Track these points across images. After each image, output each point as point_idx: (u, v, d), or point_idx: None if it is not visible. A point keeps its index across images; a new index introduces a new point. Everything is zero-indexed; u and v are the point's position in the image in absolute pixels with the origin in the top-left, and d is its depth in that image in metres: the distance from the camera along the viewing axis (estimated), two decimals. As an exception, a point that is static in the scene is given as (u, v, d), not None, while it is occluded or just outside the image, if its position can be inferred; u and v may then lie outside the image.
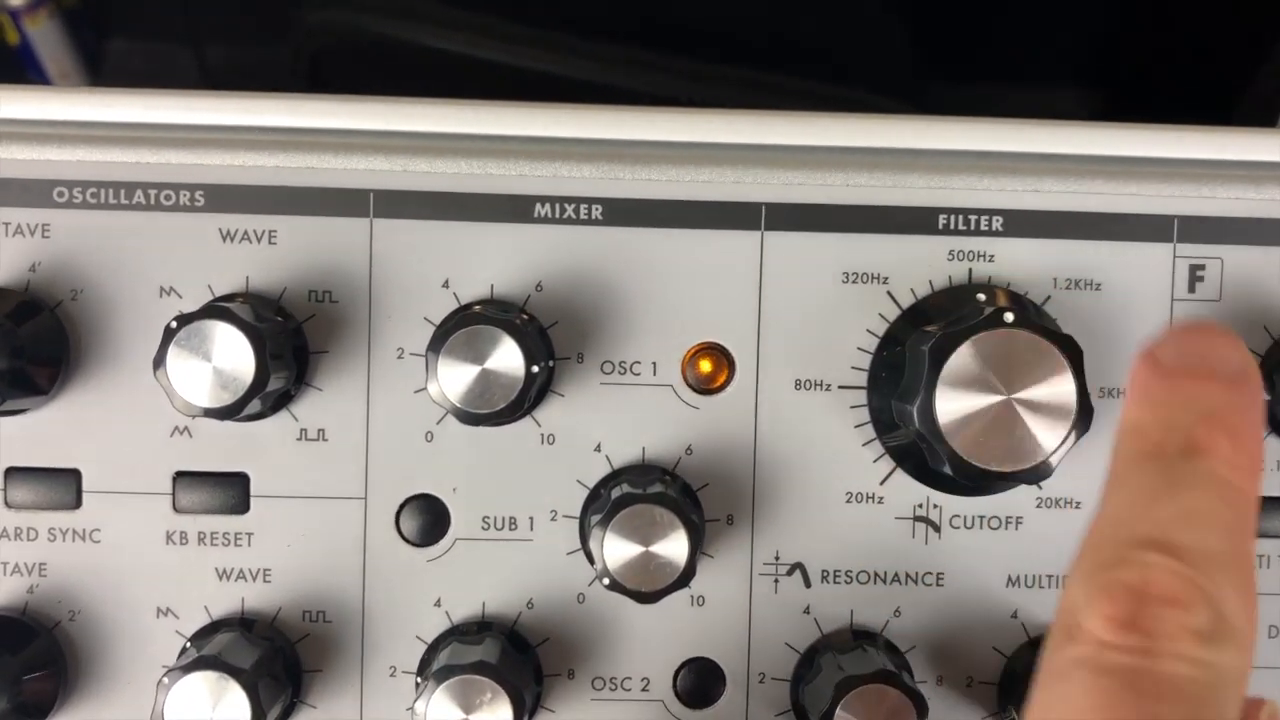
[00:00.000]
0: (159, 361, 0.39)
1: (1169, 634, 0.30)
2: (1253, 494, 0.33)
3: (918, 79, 0.77)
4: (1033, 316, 0.41)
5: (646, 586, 0.39)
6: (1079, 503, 0.43)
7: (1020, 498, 0.43)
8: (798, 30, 0.74)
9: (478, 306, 0.41)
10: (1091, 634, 0.30)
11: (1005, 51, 0.81)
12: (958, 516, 0.43)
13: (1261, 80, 0.70)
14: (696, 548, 0.40)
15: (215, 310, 0.39)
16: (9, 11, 0.75)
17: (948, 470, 0.39)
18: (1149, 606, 0.30)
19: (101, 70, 0.81)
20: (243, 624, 0.43)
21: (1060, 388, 0.39)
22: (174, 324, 0.39)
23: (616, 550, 0.39)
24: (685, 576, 0.39)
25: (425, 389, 0.40)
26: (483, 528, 0.43)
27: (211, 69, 0.79)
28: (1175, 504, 0.32)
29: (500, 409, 0.39)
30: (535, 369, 0.39)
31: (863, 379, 0.43)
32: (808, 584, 0.43)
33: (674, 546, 0.39)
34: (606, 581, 0.39)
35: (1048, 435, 0.39)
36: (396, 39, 0.70)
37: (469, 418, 0.39)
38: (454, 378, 0.39)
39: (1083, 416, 0.39)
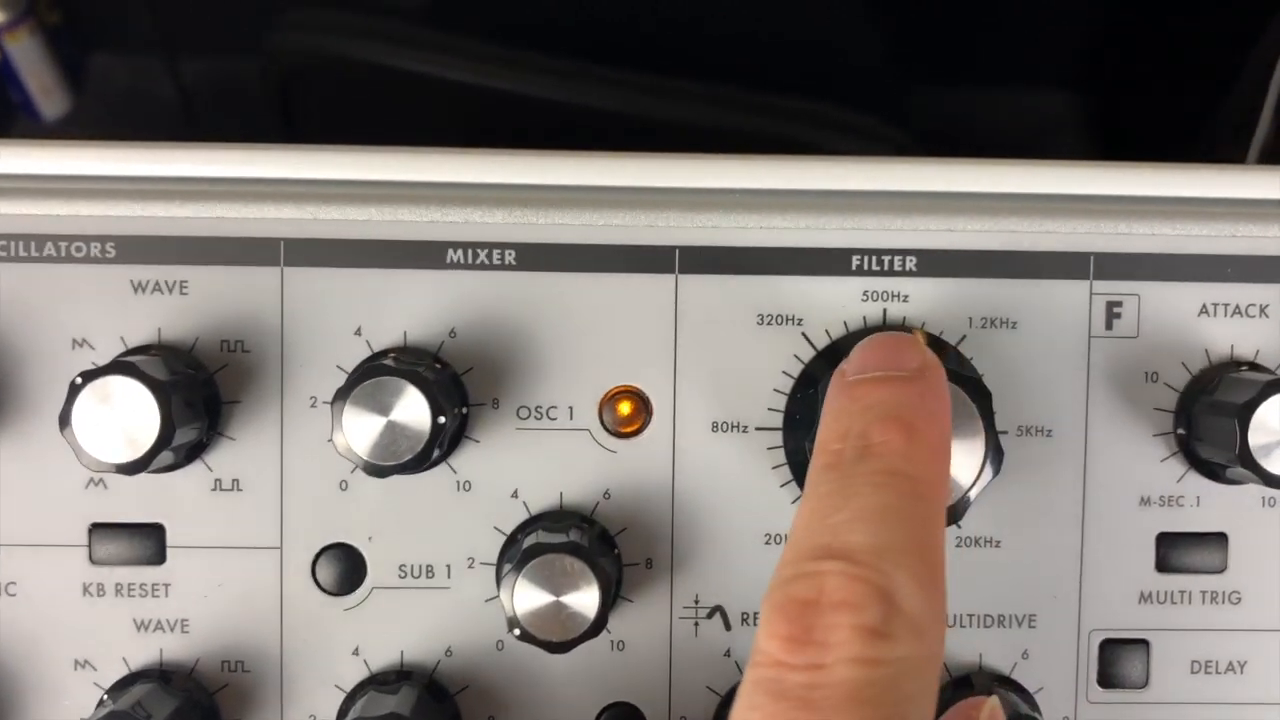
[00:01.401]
0: (64, 419, 0.39)
1: (840, 640, 0.30)
2: (933, 479, 0.34)
3: (899, 84, 0.77)
4: (948, 358, 0.41)
5: (557, 636, 0.39)
6: (998, 541, 0.43)
7: (939, 537, 0.43)
8: (774, 39, 0.74)
9: (389, 356, 0.41)
10: (770, 655, 0.31)
11: (990, 55, 0.81)
12: (877, 557, 0.43)
13: (1237, 95, 0.70)
14: (608, 597, 0.40)
15: (118, 366, 0.39)
16: (-11, 30, 0.75)
17: (859, 515, 0.39)
18: (822, 615, 0.30)
19: (84, 86, 0.81)
20: (161, 675, 0.42)
21: (969, 430, 0.39)
22: (78, 380, 0.39)
23: (527, 600, 0.39)
24: (596, 627, 0.39)
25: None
26: (400, 576, 0.43)
27: (191, 83, 0.79)
28: (849, 507, 0.32)
29: (407, 460, 0.39)
30: (442, 419, 0.39)
31: (779, 420, 0.43)
32: (728, 626, 0.43)
33: (585, 597, 0.39)
34: (517, 632, 0.39)
35: (958, 478, 0.39)
36: (365, 61, 0.70)
37: (376, 470, 0.39)
38: (360, 430, 0.39)
39: (992, 458, 0.39)
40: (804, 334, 0.43)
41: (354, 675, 0.43)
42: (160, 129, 0.83)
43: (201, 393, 0.42)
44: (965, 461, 0.39)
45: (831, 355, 0.42)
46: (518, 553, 0.40)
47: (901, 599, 0.31)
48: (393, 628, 0.43)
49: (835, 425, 0.35)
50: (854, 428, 0.35)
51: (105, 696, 0.42)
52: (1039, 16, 0.80)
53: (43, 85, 0.78)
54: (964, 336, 0.43)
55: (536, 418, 0.43)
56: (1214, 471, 0.43)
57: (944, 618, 0.32)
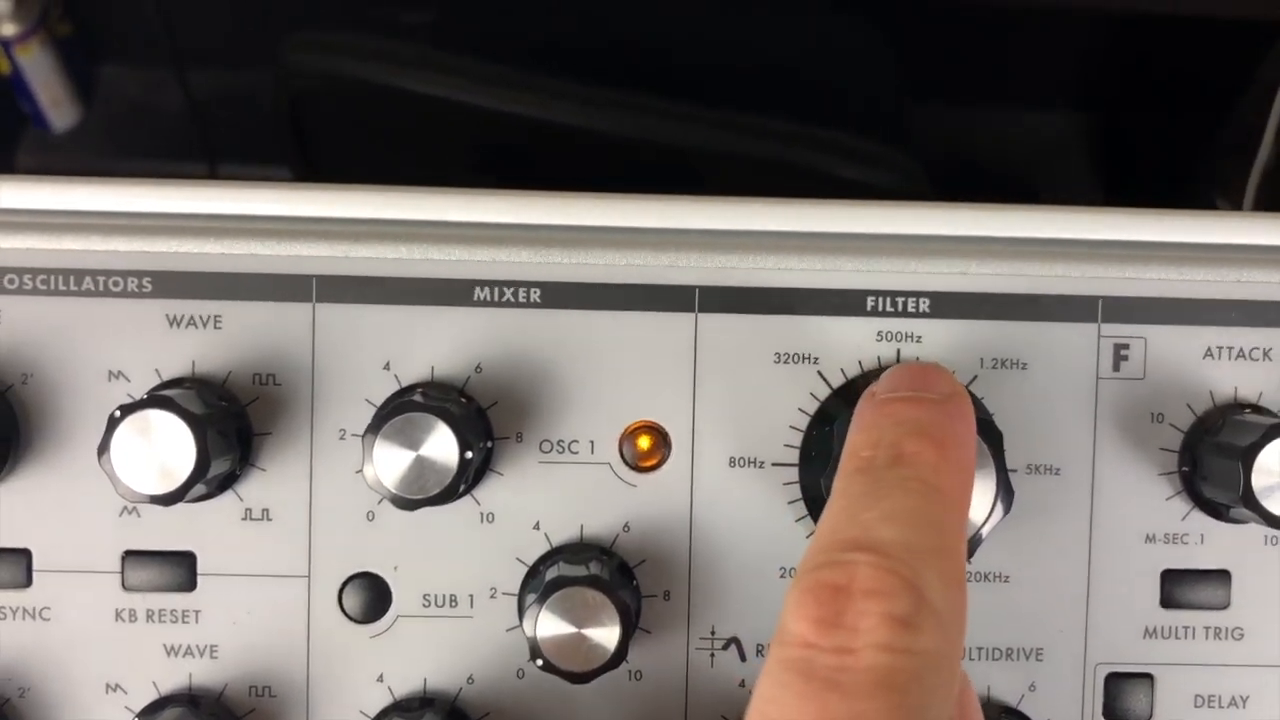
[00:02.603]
0: (103, 450, 0.40)
1: (870, 626, 0.31)
2: (958, 495, 0.35)
3: (906, 104, 0.78)
4: (959, 397, 0.42)
5: (578, 667, 0.40)
6: (1007, 576, 0.44)
7: (950, 572, 0.44)
8: (785, 58, 0.75)
9: (417, 391, 0.42)
10: (799, 636, 0.31)
11: (994, 78, 0.82)
12: (889, 591, 0.44)
13: (1237, 120, 0.72)
14: (629, 630, 0.41)
15: (157, 399, 0.40)
16: (0, 41, 0.76)
17: (873, 551, 0.40)
18: (852, 601, 0.31)
19: (93, 97, 0.82)
20: (190, 700, 0.44)
21: (981, 470, 0.40)
22: (118, 413, 0.40)
23: (549, 631, 0.40)
24: (616, 658, 0.40)
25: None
26: (424, 605, 0.44)
27: (200, 96, 0.81)
28: (880, 506, 0.33)
29: (435, 494, 0.40)
30: (469, 454, 0.40)
31: (795, 456, 0.44)
32: (743, 658, 0.44)
33: (606, 628, 0.40)
34: (539, 662, 0.40)
35: (972, 514, 0.40)
36: (375, 82, 0.71)
37: (404, 503, 0.40)
38: (389, 464, 0.40)
39: (1004, 497, 0.40)
40: (819, 372, 0.44)
41: (378, 701, 0.44)
42: (169, 142, 0.84)
43: (234, 425, 0.43)
44: (977, 500, 0.40)
45: (847, 393, 0.43)
46: (540, 584, 0.41)
47: (930, 594, 0.31)
48: (416, 655, 0.44)
49: (867, 435, 0.36)
50: (886, 438, 0.36)
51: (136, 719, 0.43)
52: (1043, 41, 0.81)
53: (53, 97, 0.79)
54: (975, 377, 0.44)
55: (559, 451, 0.44)
56: (1217, 510, 0.44)
57: (965, 620, 0.33)
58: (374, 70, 0.71)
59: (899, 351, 0.44)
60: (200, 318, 0.44)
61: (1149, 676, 0.45)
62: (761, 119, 0.71)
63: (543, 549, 0.44)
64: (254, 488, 0.44)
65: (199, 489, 0.41)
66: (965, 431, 0.37)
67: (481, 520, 0.44)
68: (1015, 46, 0.82)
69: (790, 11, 0.75)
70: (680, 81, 0.71)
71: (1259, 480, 0.41)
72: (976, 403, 0.43)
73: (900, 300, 0.44)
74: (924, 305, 0.44)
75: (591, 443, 0.44)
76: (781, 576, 0.44)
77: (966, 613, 0.33)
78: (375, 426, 0.40)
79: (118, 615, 0.44)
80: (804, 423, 0.44)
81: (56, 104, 0.80)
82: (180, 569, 0.44)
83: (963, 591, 0.33)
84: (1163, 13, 0.73)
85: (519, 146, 0.71)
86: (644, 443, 0.44)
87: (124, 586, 0.44)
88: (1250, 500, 0.41)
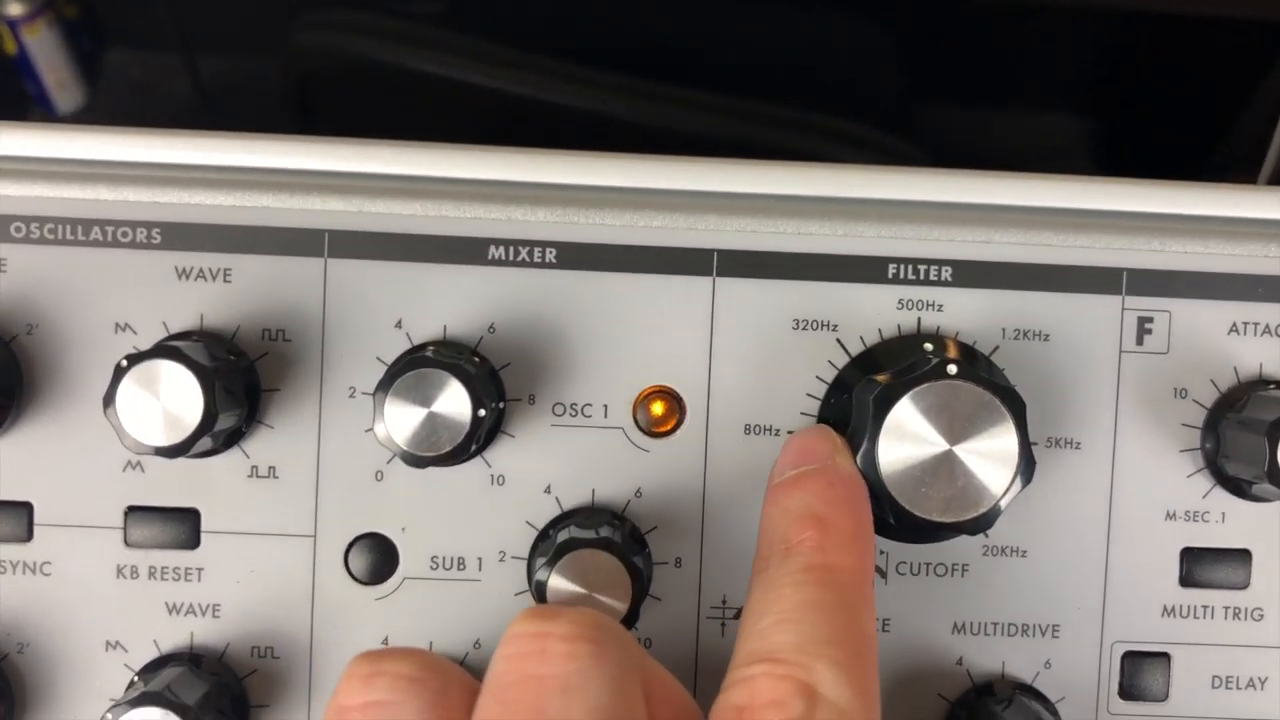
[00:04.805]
0: (109, 400, 0.39)
1: None
2: (849, 565, 0.36)
3: (912, 104, 0.78)
4: (981, 367, 0.41)
5: (589, 631, 0.40)
6: (1025, 551, 0.44)
7: (966, 546, 0.44)
8: (791, 55, 0.74)
9: (429, 349, 0.42)
10: None
11: (1001, 78, 0.81)
12: (904, 563, 0.44)
13: (1245, 123, 0.71)
14: (640, 593, 0.40)
15: (165, 350, 0.39)
16: (7, 21, 0.75)
17: (890, 519, 0.39)
18: (754, 716, 0.32)
19: (99, 80, 0.82)
20: (191, 659, 0.43)
21: (1002, 439, 0.39)
22: (124, 363, 0.39)
23: (559, 594, 0.40)
24: (627, 622, 0.40)
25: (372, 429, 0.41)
26: (431, 567, 0.43)
27: (206, 81, 0.80)
28: (774, 610, 0.35)
29: (446, 452, 0.40)
30: (482, 412, 0.40)
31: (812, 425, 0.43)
32: (754, 628, 0.44)
33: (617, 592, 0.40)
34: (549, 625, 0.40)
35: (989, 486, 0.39)
36: (384, 62, 0.71)
37: (415, 460, 0.40)
38: (401, 420, 0.40)
39: (1024, 468, 0.40)
40: (839, 340, 0.43)
41: (383, 664, 0.43)
42: (173, 126, 0.83)
43: (242, 380, 0.42)
44: (997, 470, 0.39)
45: (866, 361, 0.43)
46: (551, 547, 0.41)
47: (823, 688, 0.33)
48: (422, 618, 0.43)
49: (764, 535, 0.38)
50: (776, 533, 0.37)
51: (136, 678, 0.42)
52: (1049, 41, 0.80)
53: (58, 78, 0.79)
54: (997, 347, 0.43)
55: (571, 415, 0.43)
56: (1240, 488, 0.43)
57: (871, 694, 0.34)
58: (383, 49, 0.70)
59: (920, 320, 0.43)
60: (210, 270, 0.43)
61: (1166, 656, 0.44)
62: (768, 106, 0.70)
63: (554, 513, 0.43)
64: (261, 444, 0.43)
65: (205, 443, 0.40)
66: (848, 493, 0.38)
67: (492, 483, 0.43)
68: (1021, 47, 0.81)
69: (797, 9, 0.74)
70: (686, 75, 0.71)
71: (1284, 456, 0.40)
72: (996, 371, 0.42)
73: (922, 268, 0.43)
74: (946, 274, 0.43)
75: (605, 406, 0.43)
76: (795, 546, 0.43)
77: (873, 685, 0.34)
78: (387, 383, 0.40)
79: (119, 571, 0.43)
80: (821, 391, 0.43)
81: (61, 85, 0.79)
82: (183, 526, 0.43)
83: (863, 668, 0.34)
84: (1170, 13, 0.72)
85: (527, 129, 0.71)
86: (658, 408, 0.43)
87: (126, 543, 0.43)
88: (1276, 476, 0.40)
